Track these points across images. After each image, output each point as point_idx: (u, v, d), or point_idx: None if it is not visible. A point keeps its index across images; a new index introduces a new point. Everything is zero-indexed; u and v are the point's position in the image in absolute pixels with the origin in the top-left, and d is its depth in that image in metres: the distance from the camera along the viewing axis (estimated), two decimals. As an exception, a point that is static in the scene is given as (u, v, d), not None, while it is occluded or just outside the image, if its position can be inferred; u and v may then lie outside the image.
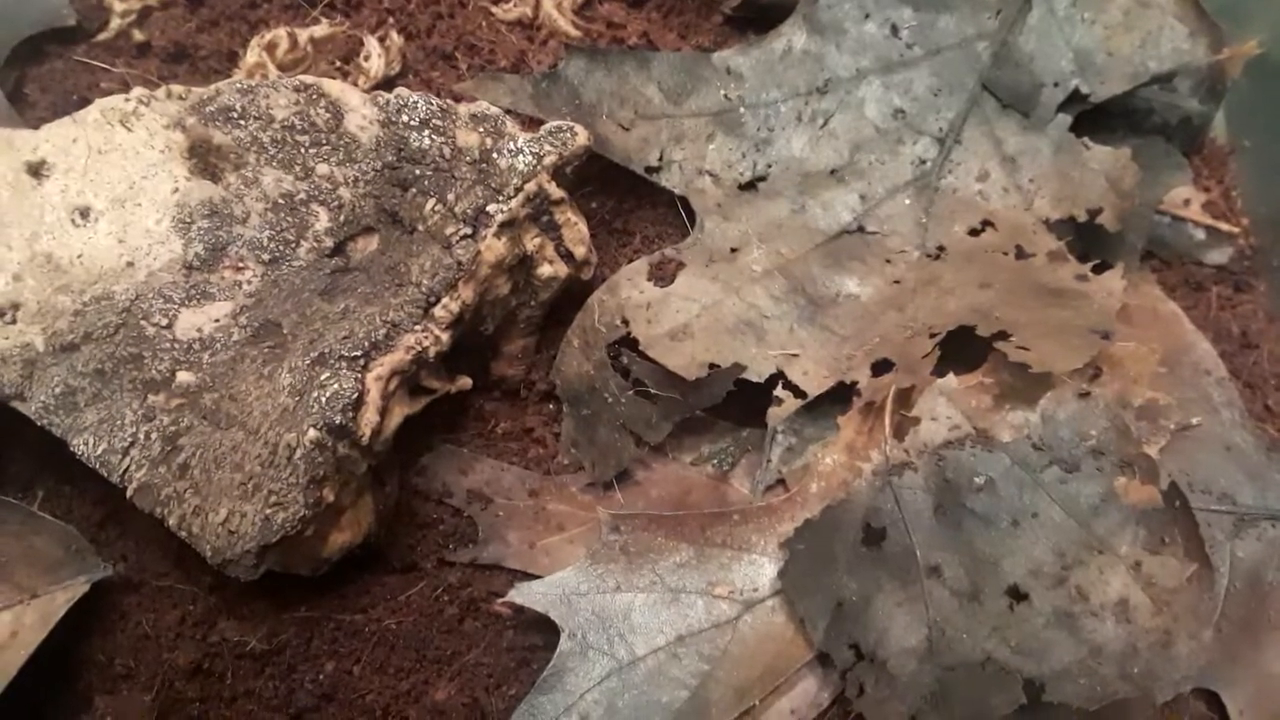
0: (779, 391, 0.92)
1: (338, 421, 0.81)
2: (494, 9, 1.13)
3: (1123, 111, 1.09)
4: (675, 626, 0.88)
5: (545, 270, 0.95)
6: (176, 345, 0.85)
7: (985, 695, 0.81)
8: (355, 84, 1.03)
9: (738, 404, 0.95)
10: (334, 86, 0.94)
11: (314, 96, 0.93)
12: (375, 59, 1.06)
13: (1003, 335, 0.91)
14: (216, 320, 0.86)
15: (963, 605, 0.84)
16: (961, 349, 0.93)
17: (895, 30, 1.06)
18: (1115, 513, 0.85)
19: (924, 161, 1.04)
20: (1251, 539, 0.94)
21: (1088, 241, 1.03)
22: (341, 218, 0.90)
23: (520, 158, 0.92)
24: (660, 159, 1.03)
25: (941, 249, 1.01)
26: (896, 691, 0.83)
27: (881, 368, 0.93)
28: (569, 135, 0.94)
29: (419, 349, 0.86)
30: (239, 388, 0.83)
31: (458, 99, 1.00)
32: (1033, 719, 0.83)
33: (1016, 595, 0.84)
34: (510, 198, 0.90)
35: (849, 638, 0.85)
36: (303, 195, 0.90)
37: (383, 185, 0.91)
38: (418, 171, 0.92)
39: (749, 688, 0.87)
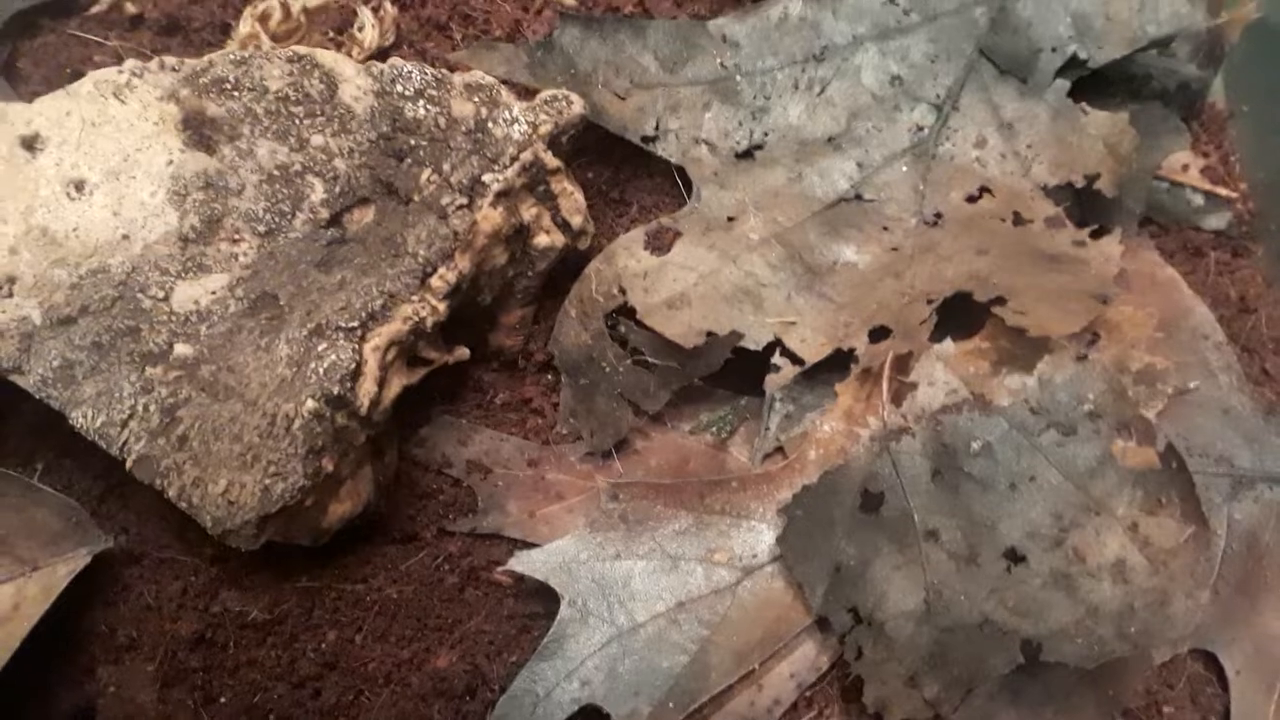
0: (777, 359, 0.92)
1: (336, 392, 0.81)
2: (488, -22, 1.12)
3: (1121, 77, 1.09)
4: (675, 593, 0.89)
5: (542, 240, 0.95)
6: (173, 318, 0.85)
7: (983, 656, 0.81)
8: (349, 55, 1.03)
9: (736, 372, 0.95)
10: (328, 57, 0.93)
11: (308, 67, 0.92)
12: (369, 29, 1.06)
13: (1000, 300, 0.91)
14: (213, 292, 0.86)
15: (960, 568, 0.84)
16: (959, 315, 0.93)
17: (892, -4, 1.05)
18: (1112, 474, 0.85)
19: (921, 129, 1.04)
20: (1249, 501, 0.94)
21: (1086, 207, 1.03)
22: (337, 189, 0.90)
23: (516, 127, 0.92)
24: (656, 128, 1.03)
25: (939, 216, 1.00)
26: (895, 653, 0.83)
27: (879, 334, 0.93)
28: (564, 104, 0.94)
29: (416, 319, 0.86)
30: (236, 359, 0.83)
31: (452, 69, 0.99)
32: (1030, 679, 0.84)
33: (1014, 557, 0.84)
34: (506, 167, 0.90)
35: (847, 602, 0.86)
36: (298, 167, 0.90)
37: (378, 156, 0.91)
38: (413, 142, 0.91)
39: (748, 652, 0.87)
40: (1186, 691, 0.92)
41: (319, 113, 0.91)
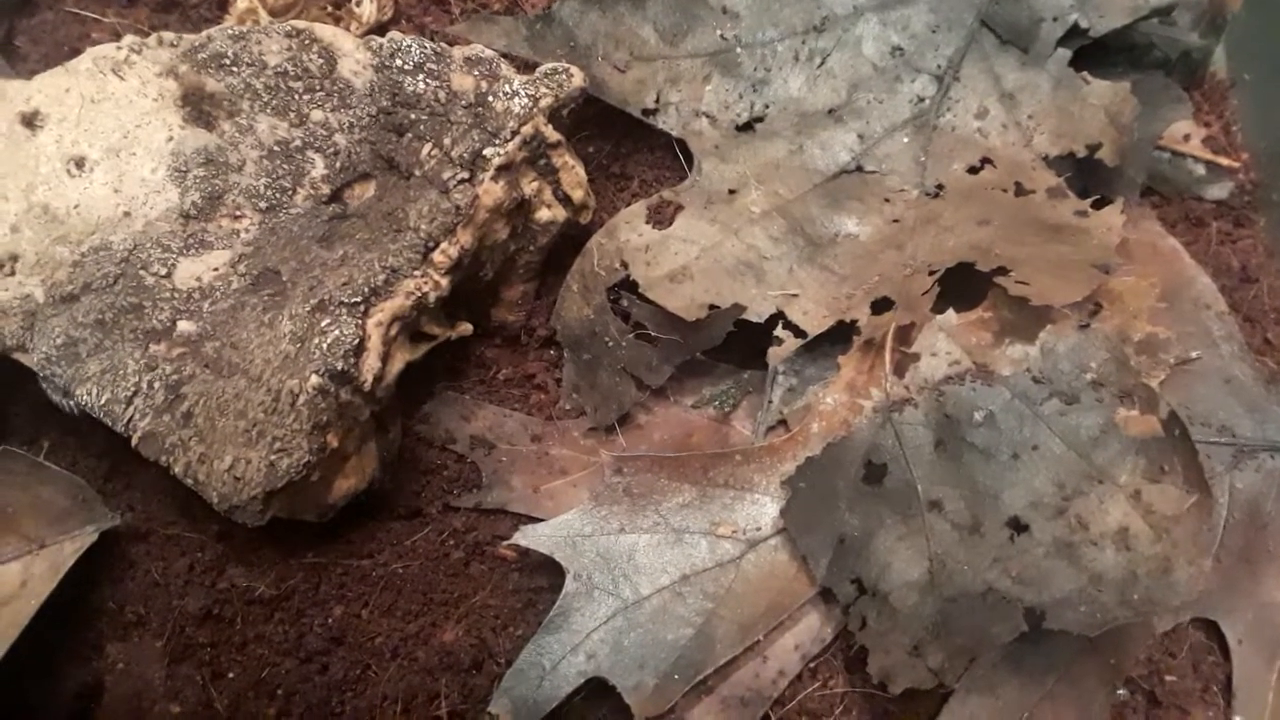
0: (779, 332, 0.92)
1: (340, 367, 0.81)
2: (486, -48, 1.11)
3: (1122, 46, 1.08)
4: (679, 566, 0.89)
5: (543, 214, 0.95)
6: (176, 294, 0.85)
7: (986, 624, 0.82)
8: (348, 29, 1.02)
9: (738, 345, 0.95)
10: (326, 32, 0.93)
11: (306, 42, 0.92)
12: (367, 4, 1.05)
13: (1002, 271, 0.90)
14: (215, 269, 0.86)
15: (964, 538, 0.85)
16: (961, 286, 0.93)
17: (892, -34, 1.05)
18: (1115, 443, 0.85)
19: (922, 99, 1.04)
20: (1250, 470, 0.94)
21: (1087, 177, 1.03)
22: (338, 164, 0.90)
23: (516, 100, 0.91)
24: (657, 101, 1.03)
25: (940, 187, 1.00)
26: (899, 624, 0.84)
27: (881, 306, 0.93)
28: (564, 77, 0.93)
29: (419, 294, 0.86)
30: (240, 336, 0.83)
31: (451, 42, 0.99)
32: (1033, 648, 0.85)
33: (1017, 526, 0.84)
34: (507, 141, 0.90)
35: (851, 573, 0.86)
36: (298, 142, 0.90)
37: (378, 131, 0.91)
38: (413, 116, 0.91)
39: (753, 624, 0.88)
40: (1188, 660, 0.93)
41: (318, 88, 0.91)
